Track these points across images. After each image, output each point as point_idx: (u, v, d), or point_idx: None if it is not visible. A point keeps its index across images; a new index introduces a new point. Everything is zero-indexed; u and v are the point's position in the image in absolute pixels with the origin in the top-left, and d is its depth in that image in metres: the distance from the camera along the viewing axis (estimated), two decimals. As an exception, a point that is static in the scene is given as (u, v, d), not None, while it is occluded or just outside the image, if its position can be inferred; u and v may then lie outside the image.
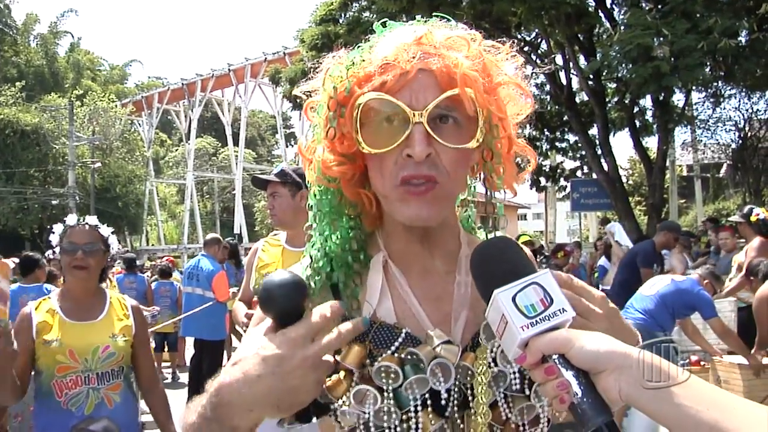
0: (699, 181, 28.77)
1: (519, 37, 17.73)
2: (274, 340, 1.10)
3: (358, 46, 1.27)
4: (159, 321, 10.50)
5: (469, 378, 1.25)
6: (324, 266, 1.31)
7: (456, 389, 1.24)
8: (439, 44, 1.21)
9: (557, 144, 21.01)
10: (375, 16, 16.76)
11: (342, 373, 1.22)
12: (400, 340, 1.25)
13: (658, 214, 15.66)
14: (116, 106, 48.50)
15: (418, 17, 1.32)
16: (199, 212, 58.06)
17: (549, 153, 21.75)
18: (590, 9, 15.00)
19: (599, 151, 16.38)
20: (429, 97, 1.17)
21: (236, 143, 54.13)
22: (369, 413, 1.20)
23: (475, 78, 1.20)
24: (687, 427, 0.94)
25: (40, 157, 41.54)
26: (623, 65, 12.07)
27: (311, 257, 1.33)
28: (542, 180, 21.87)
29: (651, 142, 20.71)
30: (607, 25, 15.71)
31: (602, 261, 12.06)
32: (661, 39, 10.96)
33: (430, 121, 1.17)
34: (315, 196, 1.32)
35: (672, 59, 10.95)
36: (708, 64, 11.80)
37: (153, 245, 56.29)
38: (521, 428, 1.26)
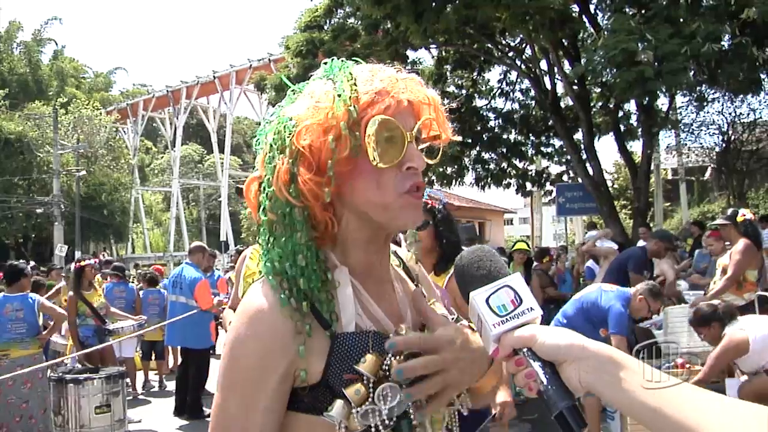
0: (684, 185, 28.95)
1: (503, 42, 17.81)
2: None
3: (330, 79, 1.41)
4: (146, 328, 10.46)
5: None
6: (303, 284, 1.37)
7: None
8: (408, 79, 1.42)
9: (542, 149, 21.11)
10: (360, 22, 16.78)
11: (361, 385, 1.30)
12: (392, 342, 1.34)
13: (644, 218, 15.72)
14: (101, 113, 48.24)
15: (336, 59, 1.47)
16: (185, 220, 57.98)
17: (534, 158, 21.84)
18: (574, 14, 15.06)
19: (584, 156, 16.43)
20: (411, 121, 1.39)
21: (222, 150, 54.11)
22: (389, 407, 1.29)
23: (438, 106, 1.47)
24: (634, 408, 1.07)
25: (24, 166, 41.34)
26: (607, 70, 12.11)
27: (284, 277, 1.38)
28: (528, 185, 21.95)
29: (636, 146, 20.82)
30: (591, 30, 15.75)
31: (589, 263, 12.09)
32: (645, 44, 11.00)
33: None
34: (285, 216, 1.38)
35: (656, 64, 10.99)
36: (691, 68, 11.84)
37: (139, 253, 56.07)
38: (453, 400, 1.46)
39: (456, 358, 1.33)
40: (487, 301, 1.22)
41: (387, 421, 1.30)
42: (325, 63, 1.45)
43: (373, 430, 1.30)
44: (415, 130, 1.38)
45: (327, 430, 1.31)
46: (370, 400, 1.29)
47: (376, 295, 1.45)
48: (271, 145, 1.39)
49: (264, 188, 1.39)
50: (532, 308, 1.20)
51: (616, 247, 11.24)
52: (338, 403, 1.29)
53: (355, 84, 1.35)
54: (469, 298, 1.24)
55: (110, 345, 9.54)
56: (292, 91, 1.46)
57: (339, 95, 1.33)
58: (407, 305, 1.50)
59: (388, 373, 1.31)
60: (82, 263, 9.78)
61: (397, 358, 1.32)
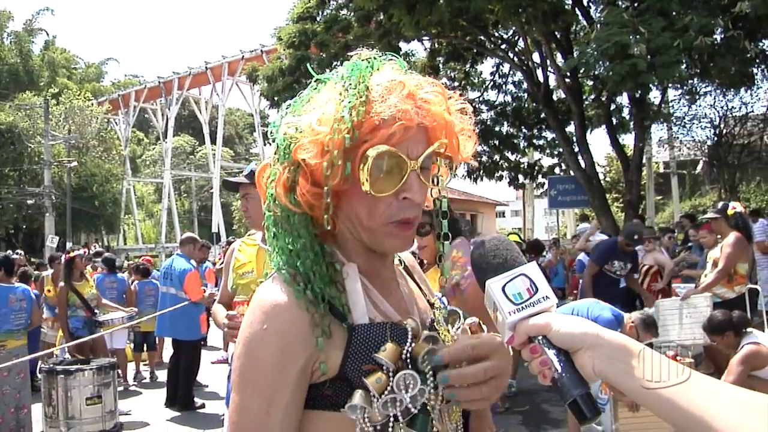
0: (675, 178, 28.97)
1: (496, 34, 17.80)
2: None
3: (345, 88, 1.34)
4: (138, 319, 10.44)
5: None
6: (316, 281, 1.37)
7: None
8: (428, 100, 1.37)
9: (534, 141, 21.13)
10: (352, 14, 16.74)
11: (382, 374, 1.31)
12: (411, 334, 1.37)
13: (635, 211, 15.75)
14: (92, 104, 48.10)
15: (368, 51, 1.44)
16: (176, 211, 57.83)
17: (526, 150, 21.87)
18: (567, 7, 15.05)
19: (576, 149, 16.45)
20: (420, 148, 1.36)
21: (214, 141, 54.01)
22: (412, 394, 1.31)
23: (454, 131, 1.43)
24: (647, 397, 1.09)
25: (15, 156, 41.17)
26: (600, 63, 12.10)
27: (297, 270, 1.40)
28: (520, 177, 21.96)
29: (628, 139, 20.82)
30: (584, 22, 15.78)
31: (581, 256, 12.11)
32: (638, 37, 11.00)
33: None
34: (290, 219, 1.41)
35: (648, 57, 11.01)
36: (684, 61, 11.87)
37: (130, 244, 55.95)
38: None
39: (504, 362, 1.35)
40: (503, 289, 1.23)
41: (409, 407, 1.31)
42: (366, 58, 1.42)
43: (392, 420, 1.31)
44: (422, 158, 1.35)
45: (344, 425, 1.31)
46: (389, 388, 1.29)
47: (383, 292, 1.46)
48: (278, 145, 1.39)
49: (270, 184, 1.40)
50: (547, 297, 1.22)
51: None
52: (358, 394, 1.29)
53: (364, 103, 1.30)
54: (486, 287, 1.26)
55: (101, 336, 9.53)
56: (317, 80, 1.44)
57: (342, 117, 1.29)
58: (413, 303, 1.53)
59: (408, 362, 1.34)
60: (72, 254, 9.75)
61: (416, 347, 1.35)
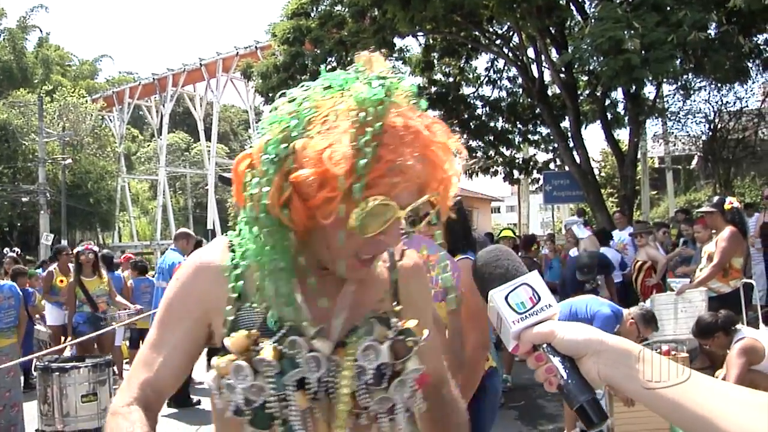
0: (670, 173, 28.97)
1: (491, 30, 17.79)
2: None
3: (363, 118, 1.30)
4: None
5: (338, 369, 1.47)
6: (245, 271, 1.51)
7: (326, 377, 1.47)
8: (436, 153, 1.38)
9: (529, 137, 21.10)
10: (346, 9, 16.72)
11: (231, 356, 1.43)
12: (283, 331, 1.45)
13: (630, 206, 15.77)
14: (87, 101, 47.89)
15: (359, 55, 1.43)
16: (171, 208, 57.63)
17: (521, 146, 21.88)
18: (561, 2, 15.04)
19: (571, 144, 16.46)
20: (412, 198, 1.37)
21: (208, 138, 53.78)
22: (244, 386, 1.40)
23: (449, 183, 1.43)
24: (653, 400, 1.10)
25: (9, 154, 41.00)
26: (594, 58, 12.10)
27: (241, 261, 1.54)
28: (515, 173, 21.98)
29: (622, 135, 20.88)
30: (579, 18, 15.76)
31: (573, 251, 12.12)
32: (632, 32, 11.01)
33: None
34: (279, 234, 1.42)
35: (643, 52, 11.01)
36: (678, 56, 11.87)
37: (125, 242, 55.84)
38: (379, 415, 1.50)
39: None
40: (506, 298, 1.24)
41: (246, 401, 1.39)
42: (382, 79, 1.35)
43: (233, 407, 1.41)
44: (409, 209, 1.37)
45: None
46: (227, 375, 1.41)
47: (321, 288, 1.52)
48: (274, 152, 1.35)
49: (259, 195, 1.37)
50: (550, 305, 1.23)
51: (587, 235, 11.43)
52: (213, 371, 1.45)
53: (377, 147, 1.29)
54: (488, 297, 1.27)
55: (109, 332, 9.51)
56: (328, 87, 1.39)
57: (356, 167, 1.28)
58: (346, 307, 1.55)
59: (257, 354, 1.42)
60: (76, 250, 9.78)
61: (275, 345, 1.41)
